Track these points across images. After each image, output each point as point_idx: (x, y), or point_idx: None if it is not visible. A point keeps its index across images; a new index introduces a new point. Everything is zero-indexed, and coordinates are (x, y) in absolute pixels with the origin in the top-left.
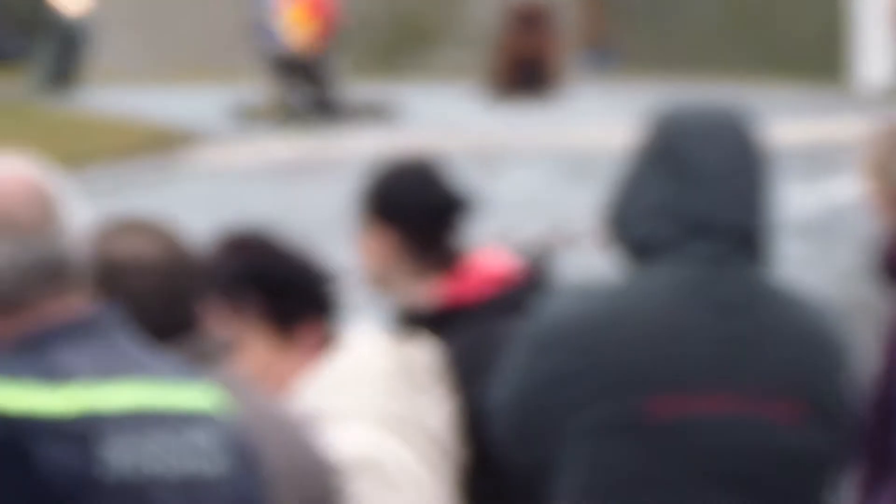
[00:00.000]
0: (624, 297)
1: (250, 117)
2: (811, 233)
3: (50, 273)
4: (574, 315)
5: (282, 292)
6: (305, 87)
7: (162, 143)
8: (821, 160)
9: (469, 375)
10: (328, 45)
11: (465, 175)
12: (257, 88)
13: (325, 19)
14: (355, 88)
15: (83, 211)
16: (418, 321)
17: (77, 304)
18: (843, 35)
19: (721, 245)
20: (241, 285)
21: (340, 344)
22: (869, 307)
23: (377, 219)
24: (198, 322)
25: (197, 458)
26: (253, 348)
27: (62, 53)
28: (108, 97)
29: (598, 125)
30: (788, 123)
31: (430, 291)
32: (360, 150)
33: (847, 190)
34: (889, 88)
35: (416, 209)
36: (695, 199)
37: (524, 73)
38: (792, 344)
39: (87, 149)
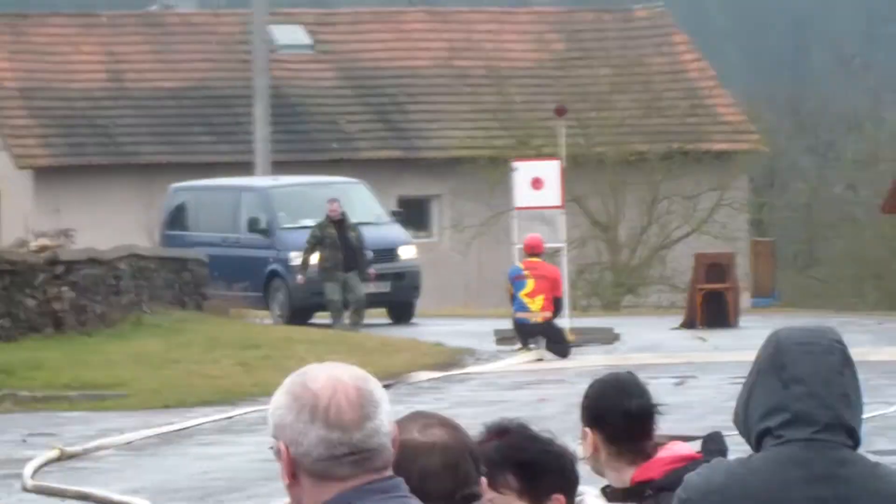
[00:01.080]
0: (741, 472)
1: (508, 342)
2: None
3: (360, 459)
4: (704, 484)
5: (533, 472)
6: (542, 341)
7: (449, 359)
8: None
9: None
10: (557, 312)
11: (662, 384)
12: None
13: (554, 294)
14: (584, 321)
15: (392, 411)
16: (616, 497)
17: (377, 478)
18: None
19: (816, 430)
20: (500, 465)
21: None
22: None
23: (587, 424)
24: (477, 492)
25: None
26: None
27: (405, 293)
28: (408, 327)
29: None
30: None
31: (626, 477)
32: (586, 363)
33: None
34: None
35: (613, 418)
36: (796, 398)
37: (711, 308)
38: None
39: (393, 365)
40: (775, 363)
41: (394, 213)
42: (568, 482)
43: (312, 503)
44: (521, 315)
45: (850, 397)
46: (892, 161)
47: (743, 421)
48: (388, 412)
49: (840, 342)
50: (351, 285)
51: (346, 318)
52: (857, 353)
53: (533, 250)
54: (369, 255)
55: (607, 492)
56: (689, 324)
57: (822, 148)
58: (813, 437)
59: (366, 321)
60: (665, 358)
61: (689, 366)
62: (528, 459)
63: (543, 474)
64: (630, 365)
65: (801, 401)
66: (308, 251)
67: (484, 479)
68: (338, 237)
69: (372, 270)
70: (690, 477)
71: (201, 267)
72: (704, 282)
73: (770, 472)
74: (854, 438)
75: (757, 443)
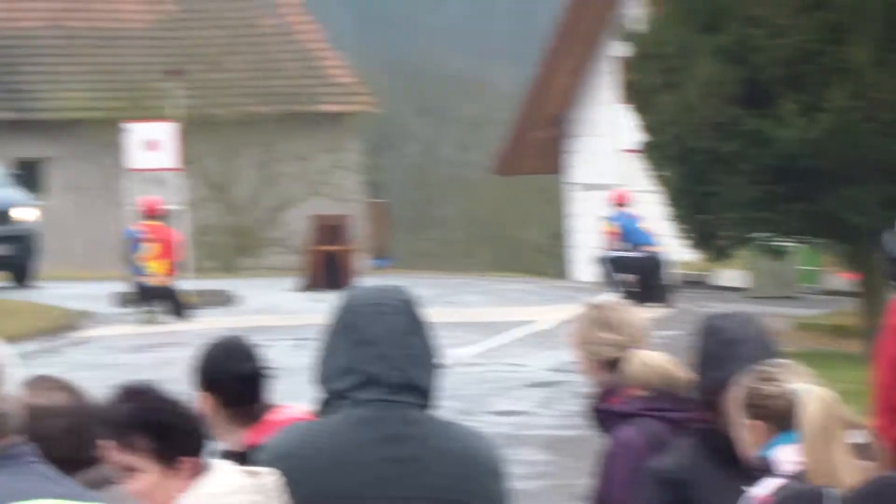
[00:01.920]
0: (315, 434)
1: (128, 304)
2: (545, 385)
3: None
4: (280, 447)
5: (166, 433)
6: (161, 304)
7: (68, 323)
8: (553, 334)
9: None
10: (175, 275)
11: (278, 346)
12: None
13: (173, 256)
14: (203, 283)
15: (19, 374)
16: (231, 459)
17: (7, 443)
18: (561, 245)
19: (387, 392)
20: (133, 427)
21: (209, 472)
22: (587, 440)
23: (200, 388)
24: (99, 455)
25: None
26: (142, 477)
27: (23, 256)
28: (29, 290)
29: None
30: (529, 307)
31: (239, 439)
32: (205, 326)
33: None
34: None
35: (224, 382)
36: (367, 359)
37: (327, 270)
38: (449, 462)
39: (16, 328)
40: (347, 325)
41: (12, 175)
42: (199, 444)
43: None
44: (139, 278)
45: (420, 357)
46: (501, 123)
47: (320, 378)
48: (12, 377)
49: (409, 302)
50: None
51: None
52: (472, 313)
53: (150, 213)
54: None
55: (224, 455)
56: (306, 285)
57: (432, 110)
58: (383, 398)
59: None
60: (285, 320)
61: (310, 328)
62: (161, 421)
63: (176, 436)
64: (250, 327)
65: (371, 363)
66: None
67: (112, 443)
68: None
69: None
70: (269, 440)
71: None
72: (319, 243)
73: (343, 433)
74: (426, 398)
75: (333, 404)
